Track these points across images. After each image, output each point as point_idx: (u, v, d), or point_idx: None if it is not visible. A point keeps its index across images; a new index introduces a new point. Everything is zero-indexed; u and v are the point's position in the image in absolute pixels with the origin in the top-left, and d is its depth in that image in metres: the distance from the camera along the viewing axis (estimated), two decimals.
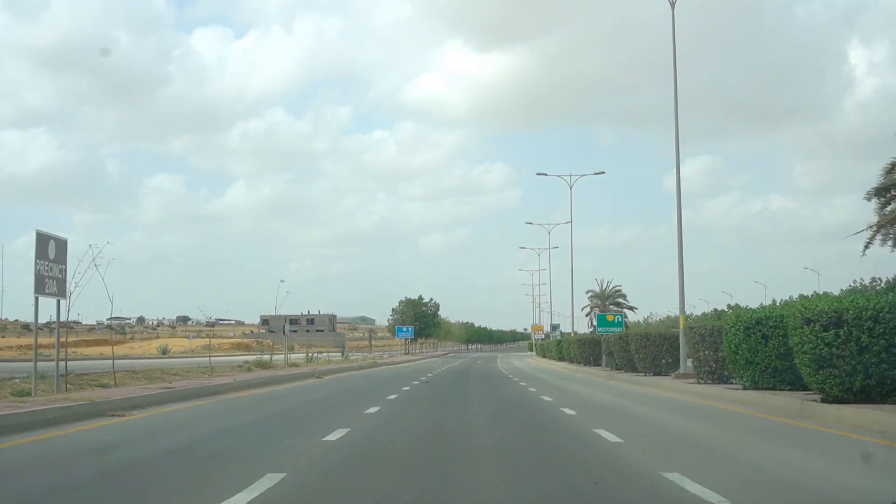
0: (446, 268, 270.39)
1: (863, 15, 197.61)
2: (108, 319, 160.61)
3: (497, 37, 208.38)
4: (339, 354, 68.70)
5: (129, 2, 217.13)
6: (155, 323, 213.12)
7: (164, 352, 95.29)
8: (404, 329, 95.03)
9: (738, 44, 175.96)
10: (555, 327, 75.34)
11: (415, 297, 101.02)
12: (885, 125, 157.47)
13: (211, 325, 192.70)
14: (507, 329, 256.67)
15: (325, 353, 62.51)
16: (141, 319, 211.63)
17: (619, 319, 39.75)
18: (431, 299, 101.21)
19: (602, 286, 37.79)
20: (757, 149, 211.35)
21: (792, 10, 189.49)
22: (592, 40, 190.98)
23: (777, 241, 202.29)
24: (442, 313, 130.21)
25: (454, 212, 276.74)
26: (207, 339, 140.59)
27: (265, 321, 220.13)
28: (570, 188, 46.83)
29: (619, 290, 38.50)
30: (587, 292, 39.08)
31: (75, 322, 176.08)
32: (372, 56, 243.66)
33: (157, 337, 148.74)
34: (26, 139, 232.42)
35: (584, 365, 45.41)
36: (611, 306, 40.80)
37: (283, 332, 45.54)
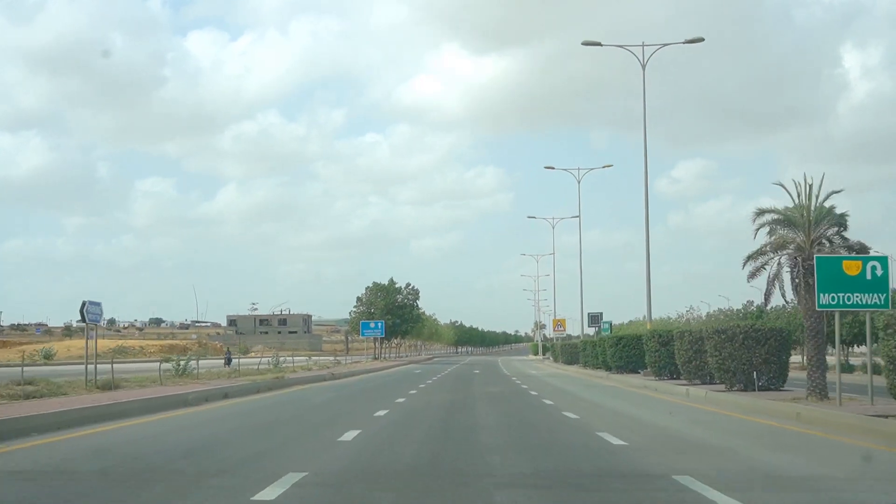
0: (438, 271, 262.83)
1: (858, 19, 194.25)
2: (76, 322, 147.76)
3: (493, 40, 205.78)
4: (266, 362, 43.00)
5: (124, 4, 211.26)
6: (125, 325, 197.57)
7: (48, 356, 73.17)
8: (371, 325, 69.21)
9: (733, 47, 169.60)
10: (595, 318, 49.39)
11: (386, 281, 75.19)
12: (879, 128, 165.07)
13: (185, 326, 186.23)
14: (500, 331, 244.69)
15: (194, 362, 36.50)
16: (112, 321, 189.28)
17: (880, 274, 14.16)
18: (409, 284, 75.55)
19: (803, 192, 14.56)
20: (751, 152, 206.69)
21: (788, 14, 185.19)
22: (586, 46, 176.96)
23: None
24: (430, 313, 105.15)
25: (447, 215, 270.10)
26: (129, 342, 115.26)
27: (232, 321, 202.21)
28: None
29: (841, 214, 15.41)
30: (756, 216, 15.57)
31: (41, 324, 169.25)
32: (367, 59, 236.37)
33: (102, 338, 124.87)
34: (18, 142, 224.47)
35: (733, 388, 19.95)
36: (823, 241, 15.77)
37: (85, 319, 20.02)
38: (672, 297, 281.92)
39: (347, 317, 79.86)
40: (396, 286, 74.62)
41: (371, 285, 73.87)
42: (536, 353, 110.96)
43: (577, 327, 65.88)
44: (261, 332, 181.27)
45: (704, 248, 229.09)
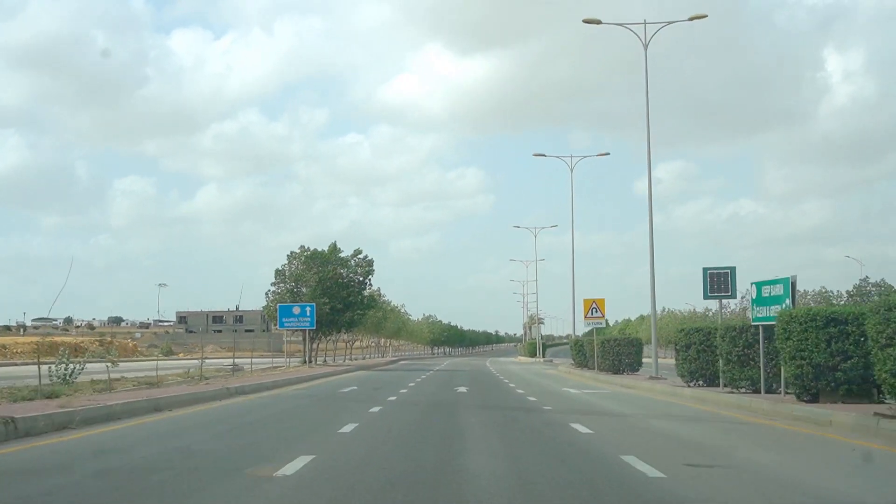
0: (417, 272, 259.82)
1: (840, 22, 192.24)
2: (33, 320, 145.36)
3: (477, 41, 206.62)
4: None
5: (106, 2, 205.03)
6: (79, 324, 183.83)
7: None
8: (295, 311, 44.36)
9: (715, 49, 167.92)
10: (720, 281, 23.40)
11: (325, 247, 49.61)
12: (859, 131, 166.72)
13: (145, 325, 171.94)
14: (481, 330, 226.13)
15: None
16: (68, 320, 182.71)
17: None
18: (359, 253, 50.00)
19: None
20: (730, 154, 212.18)
21: (770, 16, 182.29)
22: (571, 45, 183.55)
23: (745, 246, 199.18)
24: (398, 303, 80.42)
25: (427, 216, 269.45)
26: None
27: (182, 318, 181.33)
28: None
29: None
30: None
31: None
32: (351, 59, 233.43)
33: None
34: None
35: None
36: None
37: None
38: (648, 298, 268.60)
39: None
40: (340, 254, 49.30)
41: (297, 251, 48.51)
42: (534, 355, 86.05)
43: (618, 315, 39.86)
44: (214, 331, 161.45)
45: (683, 250, 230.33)
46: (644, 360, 36.85)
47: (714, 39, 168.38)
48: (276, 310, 44.61)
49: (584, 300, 38.57)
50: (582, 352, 42.83)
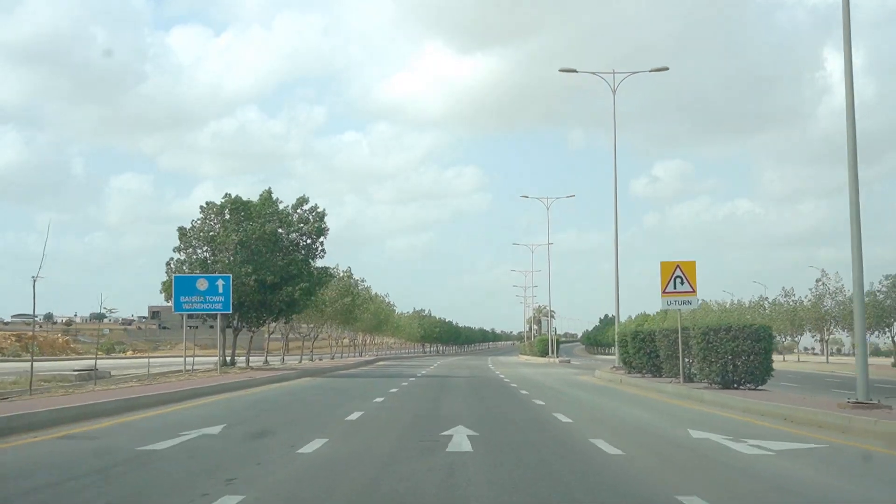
0: (413, 270, 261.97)
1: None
2: (12, 316, 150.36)
3: (477, 39, 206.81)
4: None
5: None
6: (65, 320, 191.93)
7: None
8: (201, 287, 28.71)
9: (715, 49, 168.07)
10: None
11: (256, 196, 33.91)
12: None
13: (128, 322, 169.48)
14: (477, 328, 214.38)
15: None
16: (49, 316, 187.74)
17: None
18: (304, 201, 33.85)
19: None
20: (729, 154, 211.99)
21: (770, 16, 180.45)
22: (569, 44, 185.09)
23: (741, 246, 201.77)
24: (381, 293, 65.33)
25: (423, 214, 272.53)
26: None
27: (154, 313, 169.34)
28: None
29: None
30: None
31: None
32: (350, 56, 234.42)
33: None
34: None
35: None
36: None
37: None
38: (641, 297, 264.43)
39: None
40: (279, 206, 33.45)
41: (220, 202, 32.68)
42: (546, 353, 70.45)
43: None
44: (189, 326, 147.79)
45: (677, 249, 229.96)
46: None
47: (713, 39, 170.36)
48: (171, 286, 28.93)
49: (662, 264, 22.94)
50: (645, 349, 27.17)
